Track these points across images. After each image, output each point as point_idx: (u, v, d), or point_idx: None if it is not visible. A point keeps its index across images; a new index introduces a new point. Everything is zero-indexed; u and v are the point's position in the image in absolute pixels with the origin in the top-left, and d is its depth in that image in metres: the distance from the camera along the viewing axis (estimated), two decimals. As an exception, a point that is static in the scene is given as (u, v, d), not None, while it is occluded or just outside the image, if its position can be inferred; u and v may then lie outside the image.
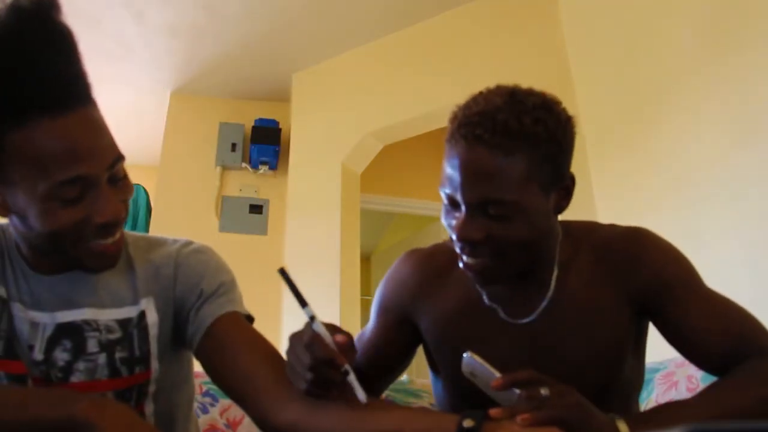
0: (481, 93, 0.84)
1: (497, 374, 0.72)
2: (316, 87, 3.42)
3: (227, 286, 0.90)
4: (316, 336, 0.69)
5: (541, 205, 0.82)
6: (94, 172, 0.73)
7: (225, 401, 1.30)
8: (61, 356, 0.81)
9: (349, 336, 0.71)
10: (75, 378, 0.81)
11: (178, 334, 0.89)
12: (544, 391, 0.67)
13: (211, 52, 3.27)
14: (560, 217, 0.92)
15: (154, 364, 0.86)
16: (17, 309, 0.81)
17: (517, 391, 0.70)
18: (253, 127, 3.53)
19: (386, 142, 3.26)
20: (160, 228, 3.28)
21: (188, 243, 0.93)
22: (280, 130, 3.53)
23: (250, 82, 3.57)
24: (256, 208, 3.48)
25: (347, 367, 0.69)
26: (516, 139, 0.78)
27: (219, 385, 0.86)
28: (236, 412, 1.28)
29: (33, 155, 0.70)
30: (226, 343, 0.85)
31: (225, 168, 3.52)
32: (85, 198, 0.74)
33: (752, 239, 1.65)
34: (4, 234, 0.86)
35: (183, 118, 3.61)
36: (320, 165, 3.25)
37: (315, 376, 0.69)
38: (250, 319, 0.92)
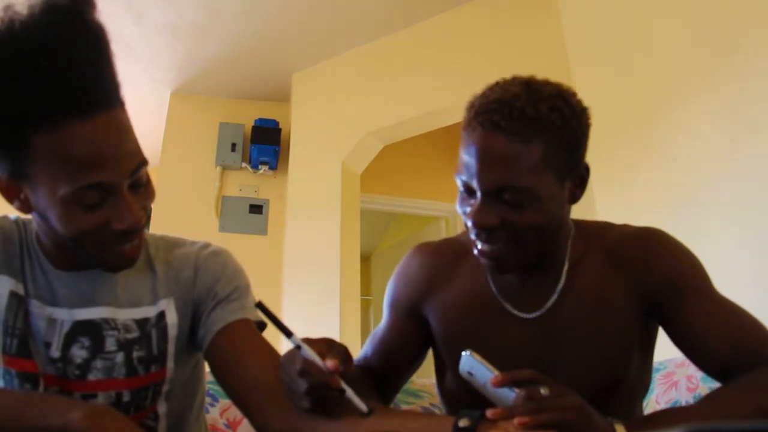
0: (497, 83, 0.85)
1: (496, 372, 0.71)
2: (316, 87, 3.42)
3: (241, 292, 0.91)
4: (308, 363, 0.69)
5: (556, 193, 0.83)
6: (116, 178, 0.72)
7: (225, 401, 1.30)
8: (78, 353, 0.81)
9: (341, 354, 0.71)
10: (92, 376, 0.81)
11: (193, 335, 0.90)
12: (544, 391, 0.67)
13: (211, 52, 3.27)
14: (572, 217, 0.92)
15: (170, 364, 0.86)
16: (34, 305, 0.81)
17: (516, 391, 0.69)
18: (253, 127, 3.53)
19: (386, 142, 3.26)
20: (160, 228, 3.28)
21: (206, 245, 0.94)
22: (280, 130, 3.53)
23: (250, 82, 3.57)
24: (256, 208, 3.48)
25: (343, 385, 0.70)
26: (533, 126, 0.78)
27: (224, 390, 0.87)
28: (236, 411, 1.28)
29: (57, 158, 0.69)
30: (233, 351, 0.85)
31: (225, 168, 3.52)
32: (105, 203, 0.73)
33: (752, 238, 1.65)
34: (25, 228, 0.86)
35: (183, 118, 3.61)
36: (320, 165, 3.25)
37: (312, 398, 0.70)
38: (262, 325, 0.92)
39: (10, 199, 0.76)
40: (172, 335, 0.87)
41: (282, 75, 3.50)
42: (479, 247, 0.86)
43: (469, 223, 0.84)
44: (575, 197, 0.88)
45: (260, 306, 0.72)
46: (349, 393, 0.70)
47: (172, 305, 0.87)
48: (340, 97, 3.32)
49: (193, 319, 0.89)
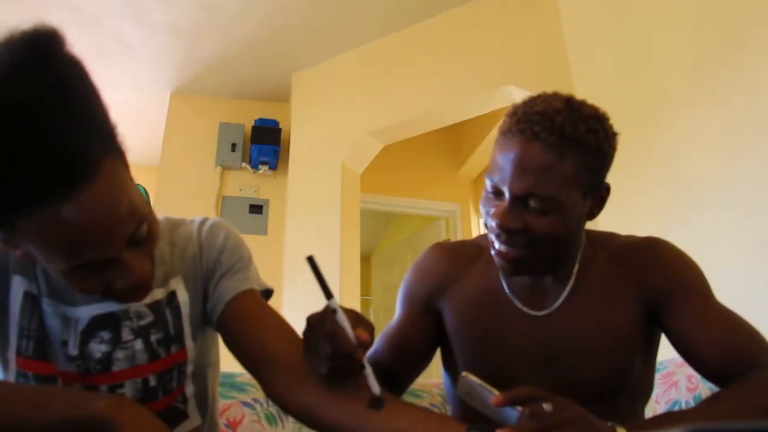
0: (539, 95, 0.89)
1: (496, 392, 0.71)
2: (316, 87, 3.42)
3: (244, 262, 0.92)
4: (339, 328, 0.70)
5: (578, 208, 0.87)
6: (111, 252, 0.67)
7: (225, 401, 1.30)
8: (97, 348, 0.81)
9: (370, 330, 0.71)
10: (116, 367, 0.82)
11: (205, 311, 0.91)
12: (546, 407, 0.67)
13: (211, 52, 3.27)
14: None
15: (189, 344, 0.87)
16: (47, 304, 0.81)
17: (518, 409, 0.69)
18: (253, 127, 3.53)
19: (386, 142, 3.27)
20: (160, 228, 3.28)
21: (204, 220, 0.95)
22: (280, 130, 3.53)
23: (250, 82, 3.57)
24: (256, 208, 3.49)
25: (364, 361, 0.70)
26: (570, 143, 0.83)
27: (238, 360, 0.87)
28: (236, 411, 1.28)
29: (45, 241, 0.63)
30: (244, 322, 0.86)
31: (225, 168, 3.52)
32: (105, 270, 0.69)
33: (756, 245, 1.65)
34: None
35: (183, 118, 3.61)
36: (320, 165, 3.25)
37: (333, 365, 0.71)
38: (268, 292, 0.93)
39: (9, 248, 0.71)
40: (185, 313, 0.87)
41: (282, 75, 3.50)
42: (497, 247, 0.90)
43: (493, 224, 0.87)
44: (593, 214, 0.92)
45: (310, 260, 0.72)
46: (368, 371, 0.70)
47: (181, 284, 0.88)
48: (340, 97, 3.32)
49: (204, 296, 0.90)
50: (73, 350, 0.80)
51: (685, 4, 1.98)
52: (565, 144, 0.83)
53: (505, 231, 0.86)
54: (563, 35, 2.61)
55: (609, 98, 2.25)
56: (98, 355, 0.81)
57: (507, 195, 0.85)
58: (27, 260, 0.74)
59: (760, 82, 1.66)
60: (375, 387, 0.70)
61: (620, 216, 2.09)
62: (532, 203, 0.84)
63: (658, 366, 1.39)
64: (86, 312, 0.82)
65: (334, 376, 0.72)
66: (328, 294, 0.72)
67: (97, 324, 0.82)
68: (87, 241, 0.63)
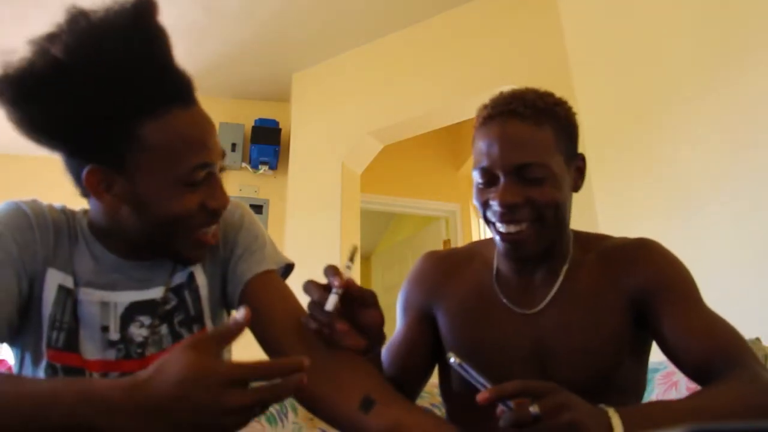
0: (502, 91, 0.96)
1: (488, 385, 0.67)
2: (316, 87, 3.42)
3: (260, 242, 0.94)
4: (333, 269, 0.76)
5: (565, 175, 0.92)
6: (216, 159, 0.81)
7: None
8: (138, 332, 0.83)
9: (368, 292, 0.78)
10: (148, 352, 0.84)
11: (225, 294, 0.92)
12: (533, 409, 0.64)
13: (211, 52, 3.27)
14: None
15: (209, 324, 0.89)
16: (84, 293, 0.82)
17: (509, 404, 0.65)
18: (253, 127, 3.53)
19: (386, 142, 3.27)
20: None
21: None
22: (280, 130, 3.53)
23: (250, 82, 3.57)
24: (256, 208, 3.48)
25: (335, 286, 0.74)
26: (543, 113, 0.90)
27: (257, 340, 0.89)
28: (236, 411, 1.28)
29: (168, 142, 0.76)
30: (259, 305, 0.87)
31: (225, 168, 3.52)
32: (205, 183, 0.79)
33: (752, 244, 1.65)
34: (74, 217, 0.87)
35: (183, 118, 3.61)
36: (320, 165, 3.25)
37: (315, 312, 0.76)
38: (289, 268, 0.96)
39: (99, 193, 0.78)
40: (204, 295, 0.89)
41: (282, 75, 3.50)
42: (503, 230, 0.91)
43: (496, 206, 0.90)
44: (577, 187, 0.96)
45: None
46: (333, 290, 0.74)
47: (199, 267, 0.90)
48: (340, 97, 3.32)
49: (222, 277, 0.92)
50: (115, 334, 0.82)
51: (686, 4, 1.98)
52: (539, 114, 0.90)
53: (509, 207, 0.88)
54: (563, 35, 2.61)
55: (609, 98, 2.25)
56: (139, 338, 0.83)
57: (501, 174, 0.89)
58: (114, 203, 0.79)
59: (761, 82, 1.66)
60: (330, 305, 0.74)
61: (620, 216, 2.09)
62: (527, 174, 0.88)
63: (657, 366, 1.39)
64: (125, 297, 0.84)
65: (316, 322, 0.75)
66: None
67: (135, 308, 0.84)
68: (201, 142, 0.78)
